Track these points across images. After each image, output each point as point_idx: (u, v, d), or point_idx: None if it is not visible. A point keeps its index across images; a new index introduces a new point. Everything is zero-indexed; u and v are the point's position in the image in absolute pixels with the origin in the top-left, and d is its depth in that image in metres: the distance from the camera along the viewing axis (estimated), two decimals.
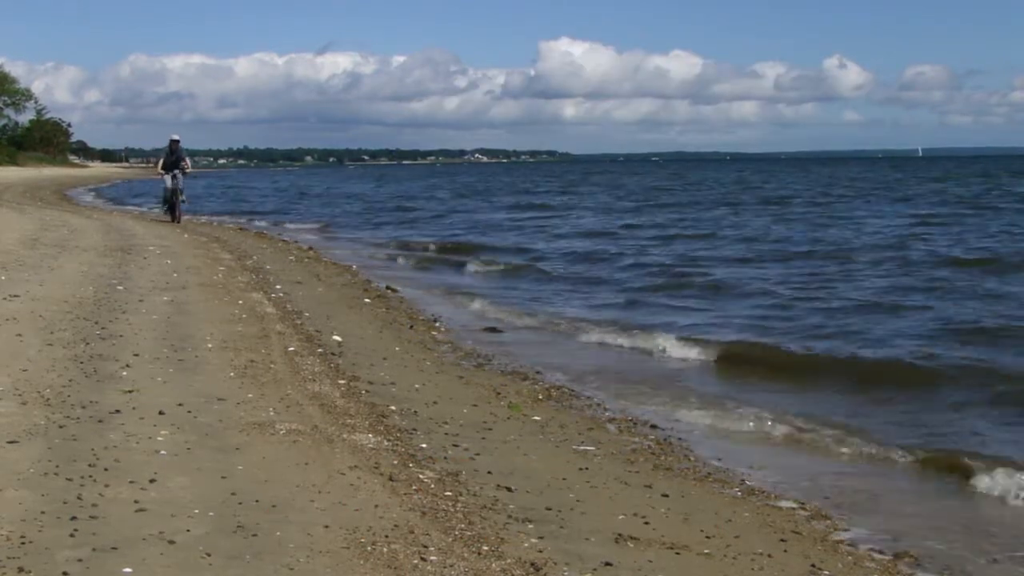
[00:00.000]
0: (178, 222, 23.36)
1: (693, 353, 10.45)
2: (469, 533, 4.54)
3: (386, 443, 5.96)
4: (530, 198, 47.97)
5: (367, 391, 7.40)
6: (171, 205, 23.77)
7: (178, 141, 23.80)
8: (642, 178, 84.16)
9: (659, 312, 13.33)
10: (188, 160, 24.13)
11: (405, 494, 4.98)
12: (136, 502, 4.47)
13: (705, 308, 13.63)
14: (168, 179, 23.48)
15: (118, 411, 5.97)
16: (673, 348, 10.67)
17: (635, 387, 8.83)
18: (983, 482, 6.31)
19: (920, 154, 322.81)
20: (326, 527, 4.36)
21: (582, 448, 6.55)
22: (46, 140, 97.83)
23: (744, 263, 19.01)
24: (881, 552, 5.11)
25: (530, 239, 25.21)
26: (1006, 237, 22.81)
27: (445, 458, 5.87)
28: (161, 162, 24.00)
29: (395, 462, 5.56)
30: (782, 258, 19.78)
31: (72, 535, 4.05)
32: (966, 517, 5.80)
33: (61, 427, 5.55)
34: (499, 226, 29.90)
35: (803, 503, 5.82)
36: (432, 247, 23.34)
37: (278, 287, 12.60)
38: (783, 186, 59.79)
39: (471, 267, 18.92)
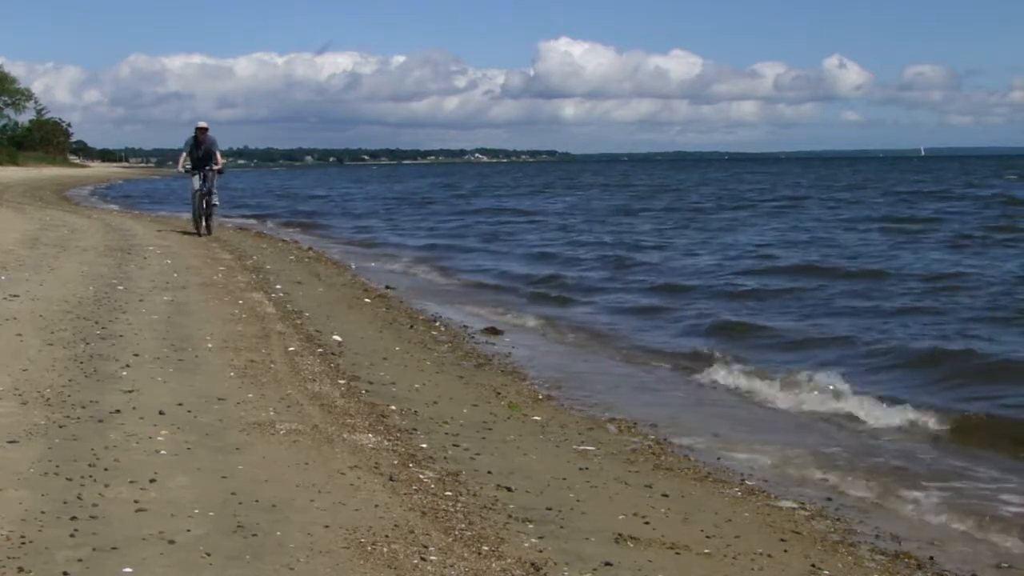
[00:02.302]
0: (209, 233, 18.86)
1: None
2: (469, 533, 4.54)
3: (386, 443, 5.96)
4: None
5: (367, 391, 7.40)
6: (200, 213, 18.99)
7: (206, 129, 18.57)
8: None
9: None
10: (220, 155, 18.92)
11: (405, 494, 4.98)
12: (136, 502, 4.47)
13: None
14: (196, 180, 18.56)
15: (118, 411, 5.97)
16: None
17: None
18: (990, 481, 6.33)
19: (923, 153, 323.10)
20: (326, 527, 4.36)
21: (582, 448, 6.55)
22: (46, 140, 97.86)
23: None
24: (881, 552, 5.11)
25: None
26: None
27: (445, 458, 5.87)
28: (183, 158, 18.83)
29: (395, 462, 5.56)
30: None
31: (72, 535, 4.05)
32: (972, 517, 5.79)
33: (61, 427, 5.55)
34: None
35: (803, 503, 5.82)
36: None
37: (278, 287, 12.60)
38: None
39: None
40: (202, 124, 18.72)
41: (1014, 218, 28.30)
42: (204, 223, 19.07)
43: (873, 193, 47.76)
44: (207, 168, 18.57)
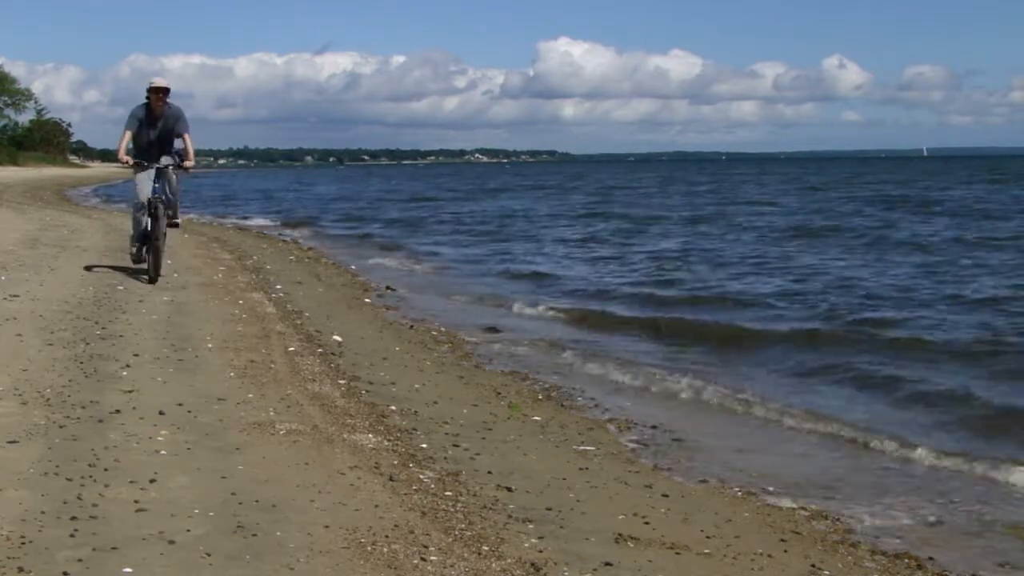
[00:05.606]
0: (155, 274, 11.29)
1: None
2: (469, 533, 4.54)
3: (386, 443, 5.96)
4: None
5: (367, 391, 7.40)
6: (147, 237, 11.23)
7: (166, 92, 11.05)
8: None
9: None
10: (189, 138, 11.30)
11: (405, 494, 4.98)
12: (136, 502, 4.47)
13: None
14: (144, 180, 11.15)
15: (118, 411, 5.97)
16: None
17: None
18: (992, 481, 6.34)
19: (925, 154, 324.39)
20: (326, 527, 4.36)
21: (582, 448, 6.55)
22: (46, 140, 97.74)
23: None
24: (882, 552, 5.11)
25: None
26: None
27: (445, 458, 5.87)
28: (125, 140, 11.10)
29: (395, 462, 5.56)
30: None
31: (72, 535, 4.05)
32: (973, 517, 5.78)
33: (61, 427, 5.55)
34: None
35: (803, 503, 5.82)
36: None
37: (278, 287, 12.61)
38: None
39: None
40: (159, 81, 11.04)
41: None
42: (151, 256, 11.30)
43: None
44: (166, 162, 11.23)
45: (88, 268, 12.49)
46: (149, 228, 11.16)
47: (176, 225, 11.90)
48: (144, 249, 11.38)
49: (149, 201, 11.12)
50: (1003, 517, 5.77)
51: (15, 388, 6.30)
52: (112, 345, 7.89)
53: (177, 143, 11.34)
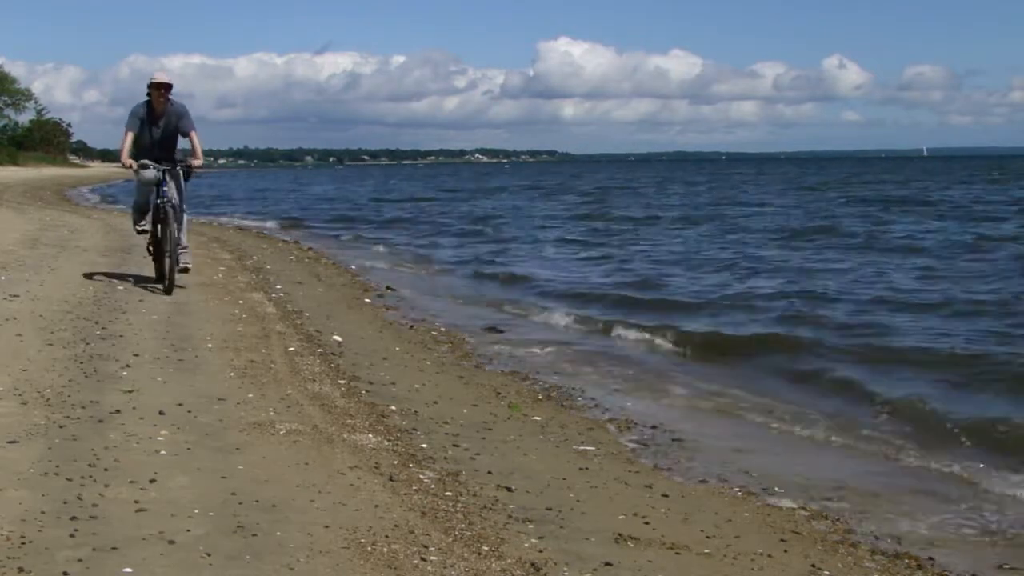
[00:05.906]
0: (171, 282, 10.62)
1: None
2: (469, 533, 4.54)
3: (386, 443, 5.96)
4: None
5: (367, 391, 7.40)
6: (158, 244, 10.85)
7: (167, 89, 10.44)
8: None
9: None
10: (196, 136, 10.60)
11: (405, 494, 4.98)
12: (136, 502, 4.47)
13: None
14: (148, 173, 10.54)
15: (118, 411, 5.97)
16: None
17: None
18: (992, 482, 6.35)
19: (925, 154, 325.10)
20: (326, 527, 4.36)
21: (582, 448, 6.55)
22: (46, 140, 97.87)
23: None
24: (881, 552, 5.11)
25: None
26: None
27: (445, 458, 5.88)
28: (128, 141, 10.45)
29: (395, 462, 5.56)
30: None
31: (72, 535, 4.05)
32: (973, 518, 5.79)
33: (61, 427, 5.55)
34: None
35: (803, 503, 5.82)
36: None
37: (278, 287, 12.61)
38: None
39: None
40: (160, 76, 10.39)
41: None
42: (163, 265, 10.81)
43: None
44: (171, 163, 10.61)
45: (88, 268, 12.49)
46: (160, 234, 10.72)
47: (186, 270, 11.02)
48: (158, 252, 10.92)
49: (156, 206, 10.61)
50: (1002, 520, 5.77)
51: (15, 388, 6.31)
52: (112, 345, 7.89)
53: (183, 142, 10.78)
